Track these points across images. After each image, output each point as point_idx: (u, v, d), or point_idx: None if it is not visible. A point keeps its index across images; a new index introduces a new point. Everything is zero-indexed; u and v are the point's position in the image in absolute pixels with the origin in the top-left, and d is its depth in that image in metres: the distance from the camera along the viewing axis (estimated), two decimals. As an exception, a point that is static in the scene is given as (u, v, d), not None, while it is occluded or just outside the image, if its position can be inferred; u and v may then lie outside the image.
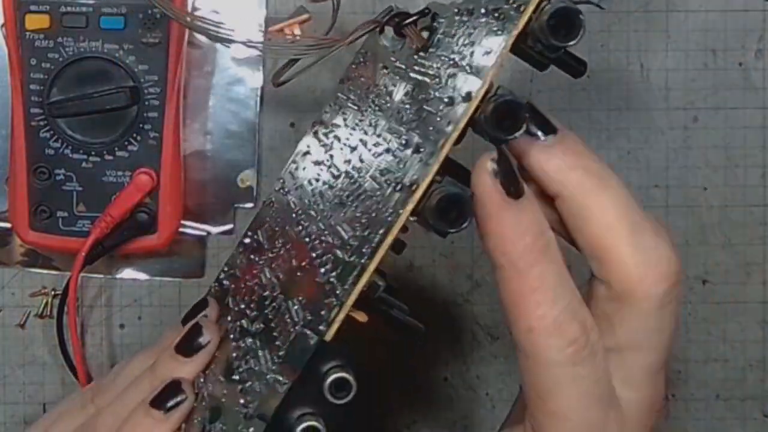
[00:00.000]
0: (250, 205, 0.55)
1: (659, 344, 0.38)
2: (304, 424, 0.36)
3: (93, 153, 0.52)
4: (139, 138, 0.52)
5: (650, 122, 0.56)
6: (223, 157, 0.55)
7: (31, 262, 0.55)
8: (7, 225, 0.54)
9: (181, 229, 0.54)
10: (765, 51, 0.56)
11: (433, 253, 0.56)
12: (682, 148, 0.56)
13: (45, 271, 0.55)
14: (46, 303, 0.55)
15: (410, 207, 0.34)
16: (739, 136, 0.56)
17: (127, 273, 0.56)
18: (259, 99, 0.55)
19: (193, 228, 0.55)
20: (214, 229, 0.55)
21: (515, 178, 0.35)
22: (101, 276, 0.55)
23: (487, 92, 0.35)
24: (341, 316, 0.36)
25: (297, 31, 0.55)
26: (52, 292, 0.55)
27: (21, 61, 0.51)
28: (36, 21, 0.51)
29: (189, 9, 0.53)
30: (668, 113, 0.56)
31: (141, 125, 0.52)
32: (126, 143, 0.52)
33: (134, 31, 0.51)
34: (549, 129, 0.37)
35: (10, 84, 0.52)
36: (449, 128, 0.35)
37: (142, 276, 0.56)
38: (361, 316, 0.37)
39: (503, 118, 0.34)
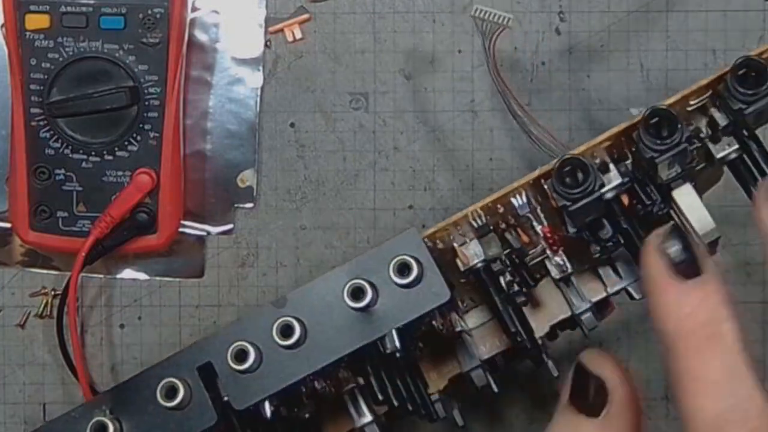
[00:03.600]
0: (249, 205, 0.55)
1: None
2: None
3: (93, 153, 0.52)
4: (139, 138, 0.52)
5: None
6: (223, 157, 0.55)
7: (31, 262, 0.55)
8: (7, 225, 0.54)
9: (181, 229, 0.54)
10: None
11: (433, 253, 0.56)
12: (682, 148, 0.56)
13: (45, 271, 0.55)
14: (46, 303, 0.55)
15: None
16: (739, 136, 0.56)
17: (127, 273, 0.56)
18: (259, 99, 0.55)
19: (193, 228, 0.55)
20: (214, 229, 0.55)
21: (686, 257, 0.34)
22: (101, 276, 0.55)
23: None
24: (442, 224, 0.44)
25: (297, 31, 0.55)
26: (52, 292, 0.55)
27: (21, 61, 0.51)
28: (36, 21, 0.51)
29: (189, 9, 0.53)
30: (668, 113, 0.56)
31: (141, 125, 0.52)
32: (126, 143, 0.52)
33: (134, 31, 0.51)
34: None
35: (10, 84, 0.52)
36: None
37: (142, 276, 0.56)
38: (464, 258, 0.43)
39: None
